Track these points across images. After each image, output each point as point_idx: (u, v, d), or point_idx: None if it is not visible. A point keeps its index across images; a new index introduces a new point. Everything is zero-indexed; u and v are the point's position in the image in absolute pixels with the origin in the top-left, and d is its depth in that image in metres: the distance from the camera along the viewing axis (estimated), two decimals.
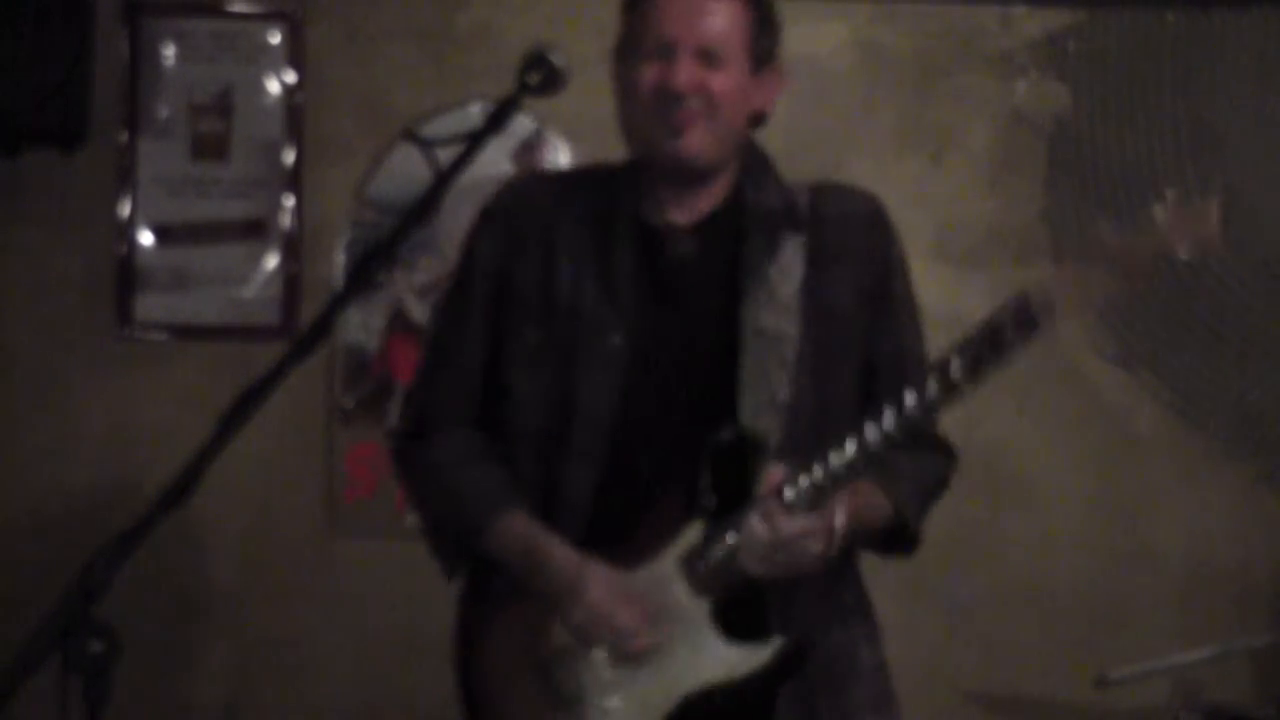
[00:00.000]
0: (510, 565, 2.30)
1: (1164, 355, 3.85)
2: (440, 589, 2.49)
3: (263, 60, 3.78)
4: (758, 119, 2.37)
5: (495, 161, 3.66)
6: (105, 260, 3.73)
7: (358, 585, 3.70)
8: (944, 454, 2.47)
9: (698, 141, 2.26)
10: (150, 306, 3.75)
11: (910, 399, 2.11)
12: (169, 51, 3.76)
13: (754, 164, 2.39)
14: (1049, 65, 3.85)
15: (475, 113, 3.69)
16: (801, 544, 2.18)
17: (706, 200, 2.35)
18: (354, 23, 3.79)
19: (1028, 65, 3.85)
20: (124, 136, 3.74)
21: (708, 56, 2.25)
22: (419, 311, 3.72)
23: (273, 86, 3.78)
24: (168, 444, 3.57)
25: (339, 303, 2.08)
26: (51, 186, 3.71)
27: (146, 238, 3.75)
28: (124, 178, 3.74)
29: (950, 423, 3.72)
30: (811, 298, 2.32)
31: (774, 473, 2.21)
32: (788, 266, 2.31)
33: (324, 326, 1.97)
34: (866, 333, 2.38)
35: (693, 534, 2.25)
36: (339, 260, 3.76)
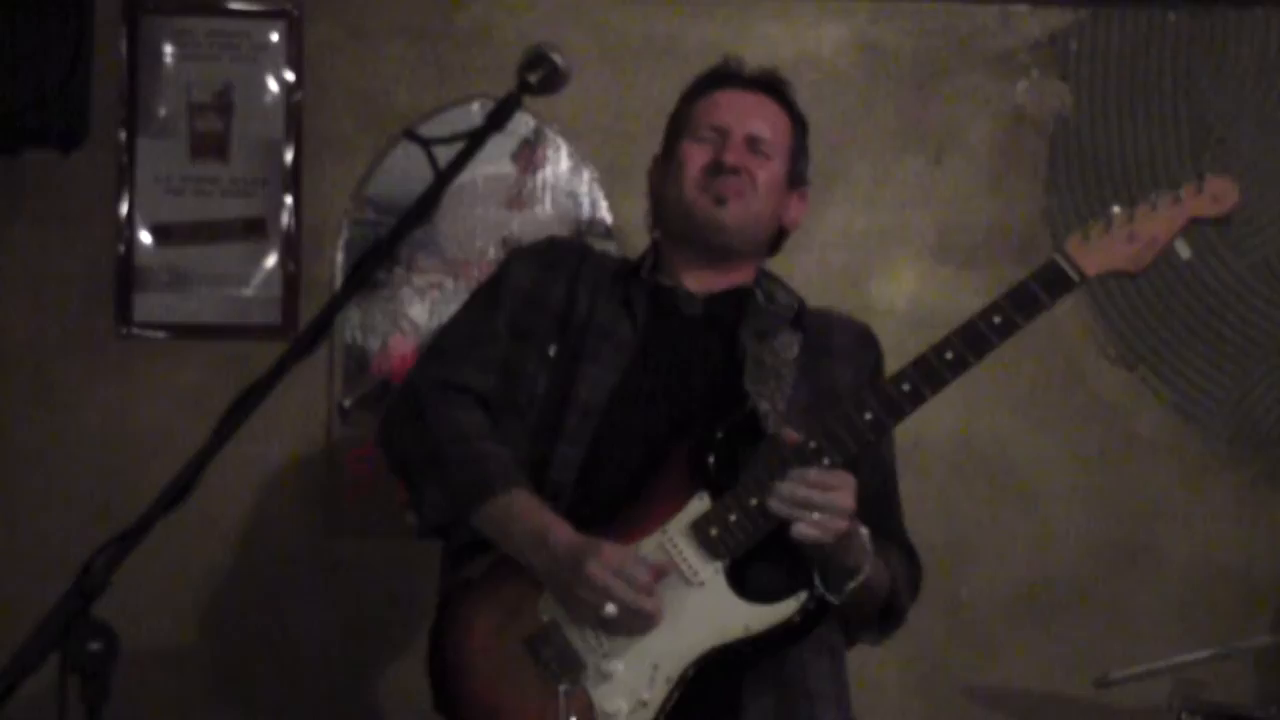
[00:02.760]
0: (508, 536, 2.38)
1: (1164, 355, 3.85)
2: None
3: (262, 59, 3.77)
4: (783, 234, 2.63)
5: (495, 161, 3.66)
6: (105, 260, 3.73)
7: (358, 584, 3.70)
8: (917, 565, 2.61)
9: (738, 214, 2.52)
10: (150, 306, 3.75)
11: (947, 352, 2.30)
12: (168, 50, 3.76)
13: (768, 276, 2.64)
14: (1050, 65, 3.85)
15: (475, 111, 3.69)
16: (840, 495, 2.28)
17: (722, 282, 2.58)
18: (354, 22, 3.79)
19: (1029, 65, 3.85)
20: (123, 136, 3.74)
21: (756, 145, 2.55)
22: (419, 311, 3.72)
23: (272, 85, 3.77)
24: (168, 444, 3.57)
25: (338, 302, 2.08)
26: (51, 186, 3.71)
27: (146, 237, 3.74)
28: (123, 177, 3.74)
29: (951, 422, 3.77)
30: (806, 370, 2.51)
31: (789, 432, 2.33)
32: (785, 345, 2.53)
33: (324, 326, 1.97)
34: None
35: (698, 504, 2.35)
36: (339, 260, 3.75)
